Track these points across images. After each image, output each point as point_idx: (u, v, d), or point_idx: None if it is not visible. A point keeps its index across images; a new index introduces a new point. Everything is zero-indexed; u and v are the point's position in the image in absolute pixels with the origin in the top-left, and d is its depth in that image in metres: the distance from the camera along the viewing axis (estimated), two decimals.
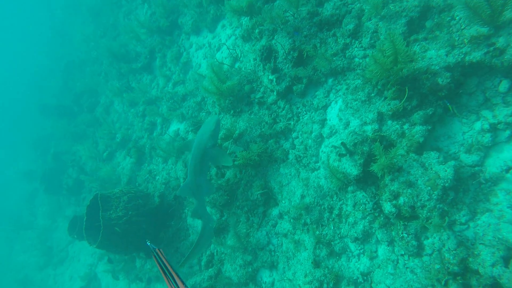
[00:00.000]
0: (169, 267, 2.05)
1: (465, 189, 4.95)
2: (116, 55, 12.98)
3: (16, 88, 28.93)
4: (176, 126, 9.91)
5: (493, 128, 4.90)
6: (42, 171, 15.35)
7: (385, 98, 5.54)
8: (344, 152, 5.62)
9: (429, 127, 5.19)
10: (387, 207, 5.17)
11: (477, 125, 5.02)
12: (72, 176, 13.72)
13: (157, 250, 2.36)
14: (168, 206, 9.00)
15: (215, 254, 7.84)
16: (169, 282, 1.93)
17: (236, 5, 7.55)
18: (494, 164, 4.90)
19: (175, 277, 1.88)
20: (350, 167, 5.63)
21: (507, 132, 4.83)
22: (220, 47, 9.55)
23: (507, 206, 4.62)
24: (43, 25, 25.44)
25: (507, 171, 4.79)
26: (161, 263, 2.17)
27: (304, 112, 6.85)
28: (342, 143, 5.49)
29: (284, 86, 6.92)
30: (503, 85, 4.94)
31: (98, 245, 7.97)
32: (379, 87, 5.60)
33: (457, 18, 5.20)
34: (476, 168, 4.96)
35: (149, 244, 3.49)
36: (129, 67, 12.51)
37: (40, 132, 17.32)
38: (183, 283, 1.78)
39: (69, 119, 15.45)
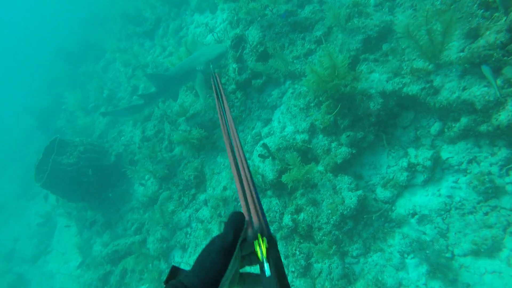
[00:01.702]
0: (221, 91, 2.16)
1: (368, 223, 4.73)
2: (128, 17, 13.23)
3: (39, 32, 30.13)
4: None
5: (412, 169, 4.63)
6: (39, 109, 16.02)
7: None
8: (265, 154, 5.49)
9: (354, 151, 4.97)
10: (286, 219, 5.03)
11: (403, 162, 4.75)
12: (62, 119, 14.22)
13: (216, 74, 2.52)
14: (122, 167, 9.15)
15: (145, 223, 7.92)
16: (218, 103, 1.98)
17: None
18: (404, 206, 4.65)
19: (224, 101, 1.97)
20: (269, 171, 5.50)
21: (424, 176, 4.55)
22: (214, 28, 9.52)
23: (397, 251, 4.38)
24: None
25: (412, 215, 4.53)
26: (216, 86, 2.33)
27: (256, 108, 6.73)
28: (264, 144, 5.36)
29: (244, 77, 6.82)
30: (435, 127, 4.65)
31: (42, 184, 8.24)
32: (320, 98, 5.40)
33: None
34: (386, 206, 4.72)
35: (211, 67, 4.05)
36: (134, 30, 12.73)
37: (51, 74, 18.01)
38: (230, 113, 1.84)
39: (76, 66, 15.97)
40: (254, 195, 1.35)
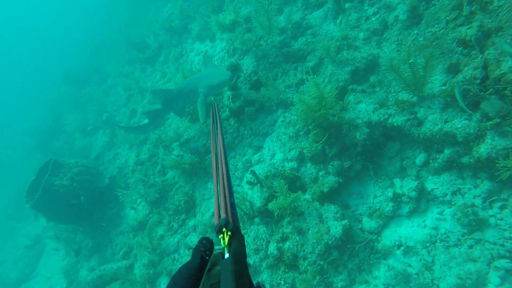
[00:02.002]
0: (218, 121, 2.34)
1: (353, 254, 4.67)
2: (132, 43, 13.73)
3: (48, 55, 31.10)
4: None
5: (397, 199, 4.64)
6: (40, 129, 16.23)
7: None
8: (254, 181, 5.52)
9: (341, 180, 5.00)
10: (271, 248, 4.97)
11: (388, 192, 4.77)
12: (61, 140, 14.37)
13: (215, 105, 2.67)
14: (115, 190, 9.13)
15: (134, 248, 7.79)
16: (213, 130, 2.23)
17: (221, 21, 7.83)
18: (389, 236, 4.61)
19: (219, 133, 2.10)
20: (257, 198, 5.50)
21: (410, 207, 4.54)
22: (212, 56, 9.85)
23: (383, 283, 4.30)
24: (88, 7, 27.56)
25: (398, 247, 4.48)
26: (214, 115, 2.47)
27: (248, 135, 6.83)
28: (252, 171, 5.40)
29: (237, 105, 6.97)
30: (420, 158, 4.71)
31: (32, 205, 8.20)
32: (309, 127, 5.50)
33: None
34: (372, 236, 4.68)
35: (213, 99, 4.14)
36: (137, 56, 13.17)
37: (55, 95, 18.41)
38: (223, 141, 2.01)
39: (80, 89, 16.35)
40: (227, 192, 1.46)
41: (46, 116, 17.93)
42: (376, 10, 6.12)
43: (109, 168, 10.00)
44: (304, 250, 4.72)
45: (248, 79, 6.94)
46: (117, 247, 8.31)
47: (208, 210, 6.46)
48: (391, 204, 4.62)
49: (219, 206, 1.46)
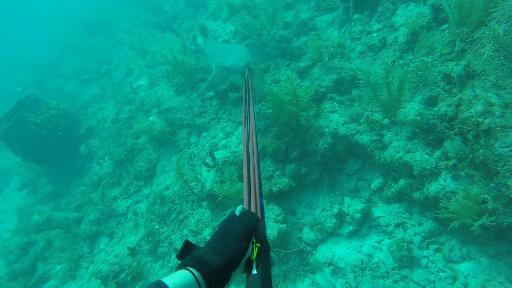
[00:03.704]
0: (250, 95, 2.29)
1: (284, 260, 4.56)
2: (150, 5, 13.60)
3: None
4: (141, 82, 10.08)
5: (342, 218, 4.51)
6: (41, 67, 16.20)
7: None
8: (210, 164, 5.40)
9: (293, 184, 4.87)
10: (206, 233, 4.86)
11: (334, 208, 4.64)
12: (56, 82, 14.31)
13: (249, 78, 2.62)
14: (88, 140, 9.05)
15: (87, 202, 7.72)
16: (245, 109, 2.15)
17: (232, 2, 7.69)
18: (324, 252, 4.48)
19: (251, 104, 2.13)
20: (209, 181, 5.39)
21: (350, 228, 4.41)
22: (218, 37, 9.70)
23: None
24: None
25: (328, 265, 4.36)
26: (246, 88, 2.40)
27: (225, 120, 6.71)
28: (210, 153, 5.29)
29: (223, 88, 6.84)
30: (376, 183, 4.58)
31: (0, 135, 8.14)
32: (279, 123, 5.37)
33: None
34: (308, 248, 4.56)
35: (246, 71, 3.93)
36: (151, 19, 13.04)
37: (65, 38, 18.30)
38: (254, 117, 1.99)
39: (90, 37, 16.26)
40: (258, 188, 1.43)
41: (51, 57, 17.88)
42: (381, 27, 5.95)
43: (90, 120, 9.91)
44: None
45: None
46: (73, 198, 8.23)
47: (164, 182, 6.37)
48: (333, 220, 4.50)
49: (249, 200, 1.40)
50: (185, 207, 5.79)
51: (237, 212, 1.21)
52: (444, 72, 4.42)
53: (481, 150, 3.59)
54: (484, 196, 3.50)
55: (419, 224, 4.14)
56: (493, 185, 3.46)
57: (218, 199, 4.86)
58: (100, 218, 6.88)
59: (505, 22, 3.31)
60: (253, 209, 1.34)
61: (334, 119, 4.92)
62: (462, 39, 4.41)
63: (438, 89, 4.40)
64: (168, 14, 12.74)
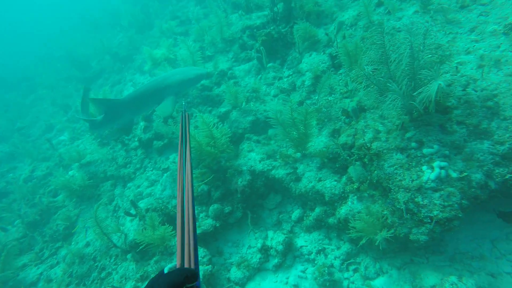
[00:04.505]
0: (187, 130, 2.07)
1: None
2: (74, 61, 13.40)
3: None
4: (63, 137, 9.55)
5: (266, 252, 4.56)
6: None
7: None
8: (132, 213, 5.17)
9: (217, 224, 4.85)
10: (128, 286, 4.49)
11: (258, 243, 4.68)
12: None
13: (185, 113, 2.30)
14: None
15: None
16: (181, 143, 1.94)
17: (154, 55, 8.02)
18: None
19: (187, 146, 1.93)
20: (132, 231, 5.11)
21: (275, 261, 4.47)
22: None
23: None
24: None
25: None
26: (184, 125, 2.16)
27: (150, 169, 6.59)
28: (132, 201, 5.09)
29: (147, 137, 6.82)
30: (296, 214, 4.79)
31: None
32: (200, 166, 5.45)
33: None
34: (236, 287, 4.45)
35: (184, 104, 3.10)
36: (74, 74, 12.84)
37: None
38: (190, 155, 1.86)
39: (4, 93, 15.15)
40: (192, 233, 1.34)
41: None
42: (291, 73, 6.66)
43: None
44: None
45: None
46: None
47: (84, 239, 5.84)
48: (259, 255, 4.52)
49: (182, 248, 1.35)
50: (107, 262, 5.32)
51: (165, 270, 1.20)
52: (343, 107, 5.04)
53: (375, 172, 4.07)
54: (384, 212, 3.89)
55: (338, 248, 4.37)
56: (388, 201, 3.89)
57: (140, 247, 4.60)
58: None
59: (371, 65, 3.98)
60: (187, 261, 1.29)
61: (252, 157, 5.18)
62: (353, 80, 5.16)
63: (340, 123, 4.97)
64: (94, 69, 12.66)
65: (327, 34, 6.51)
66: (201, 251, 4.58)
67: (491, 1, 5.38)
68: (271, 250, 4.51)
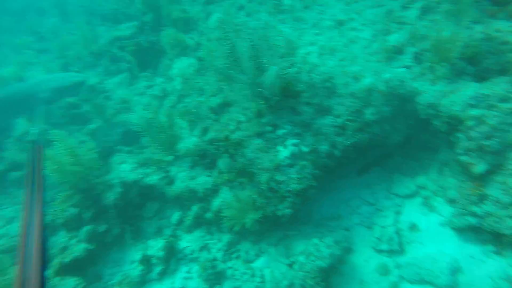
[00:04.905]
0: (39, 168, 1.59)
1: None
2: None
3: None
4: None
5: (147, 262, 4.35)
6: None
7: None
8: None
9: (92, 247, 4.42)
10: None
11: (138, 255, 4.43)
12: None
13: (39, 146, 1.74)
14: None
15: None
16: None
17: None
18: None
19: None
20: None
21: (159, 268, 4.29)
22: None
23: None
24: None
25: None
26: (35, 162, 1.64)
27: (5, 205, 5.67)
28: None
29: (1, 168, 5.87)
30: (175, 217, 4.70)
31: None
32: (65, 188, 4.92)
33: None
34: None
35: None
36: None
37: None
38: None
39: None
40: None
41: None
42: (163, 80, 6.59)
43: None
44: None
45: (21, 139, 6.06)
46: None
47: None
48: (140, 268, 4.29)
49: None
50: None
51: None
52: (210, 106, 5.18)
53: (240, 160, 4.27)
54: (253, 196, 4.10)
55: (219, 241, 4.44)
56: (253, 184, 4.12)
57: None
58: None
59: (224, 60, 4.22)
60: None
61: (123, 168, 4.93)
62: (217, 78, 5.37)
63: (210, 121, 5.09)
64: None
65: (192, 39, 6.68)
66: (73, 281, 4.10)
67: (326, 3, 6.30)
68: (153, 259, 4.32)
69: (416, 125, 4.36)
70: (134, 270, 4.34)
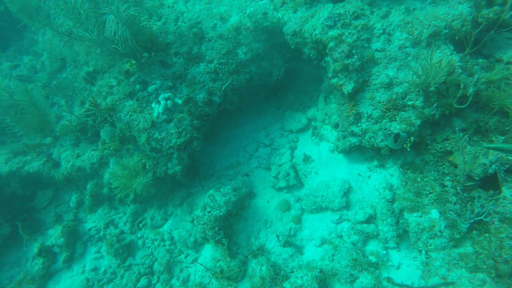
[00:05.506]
0: None
1: None
2: None
3: None
4: None
5: (47, 252, 4.08)
6: None
7: None
8: None
9: None
10: None
11: (34, 248, 4.12)
12: None
13: None
14: None
15: None
16: None
17: None
18: None
19: None
20: None
21: (63, 256, 4.06)
22: None
23: None
24: None
25: None
26: None
27: None
28: None
29: None
30: (73, 200, 4.38)
31: None
32: None
33: None
34: None
35: None
36: None
37: None
38: None
39: None
40: None
41: None
42: (31, 57, 5.76)
43: None
44: None
45: None
46: None
47: None
48: (40, 261, 4.01)
49: None
50: None
51: None
52: (83, 76, 4.68)
53: (118, 125, 3.97)
54: (143, 161, 3.90)
55: (124, 213, 4.28)
56: (138, 148, 3.91)
57: None
58: None
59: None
60: None
61: None
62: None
63: (86, 92, 4.63)
64: None
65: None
66: None
67: None
68: (54, 247, 4.06)
69: (292, 58, 4.39)
70: (35, 265, 4.05)
